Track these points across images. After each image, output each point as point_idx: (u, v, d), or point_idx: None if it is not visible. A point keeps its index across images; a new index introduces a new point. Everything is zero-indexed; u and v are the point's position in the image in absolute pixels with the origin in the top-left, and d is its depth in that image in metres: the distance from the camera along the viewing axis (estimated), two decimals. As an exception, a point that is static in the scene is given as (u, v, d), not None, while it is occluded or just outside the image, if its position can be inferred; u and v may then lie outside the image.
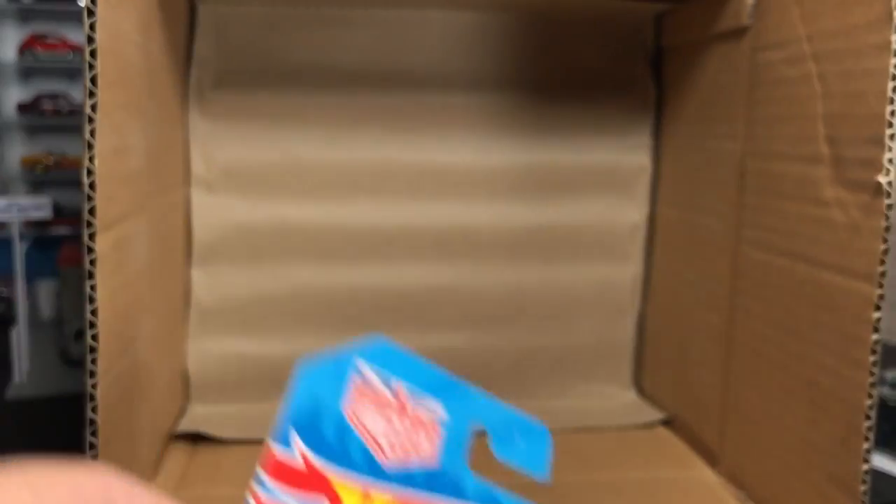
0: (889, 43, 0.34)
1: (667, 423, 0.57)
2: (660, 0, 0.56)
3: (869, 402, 0.35)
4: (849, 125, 0.37)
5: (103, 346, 0.31)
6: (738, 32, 0.47)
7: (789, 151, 0.42)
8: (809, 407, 0.39)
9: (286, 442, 0.23)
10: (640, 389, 0.62)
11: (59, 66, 1.01)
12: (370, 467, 0.23)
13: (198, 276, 0.56)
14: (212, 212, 0.56)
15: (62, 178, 1.02)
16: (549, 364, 0.60)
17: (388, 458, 0.23)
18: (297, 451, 0.23)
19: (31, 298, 0.77)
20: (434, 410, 0.25)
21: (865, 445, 0.35)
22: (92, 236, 0.31)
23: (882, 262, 0.34)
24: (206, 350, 0.56)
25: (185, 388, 0.56)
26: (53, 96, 1.01)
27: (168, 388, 0.49)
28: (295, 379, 0.22)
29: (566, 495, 0.45)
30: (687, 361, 0.54)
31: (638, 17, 0.59)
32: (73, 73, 1.03)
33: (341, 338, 0.61)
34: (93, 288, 0.31)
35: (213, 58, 0.55)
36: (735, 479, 0.47)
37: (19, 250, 0.65)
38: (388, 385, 0.26)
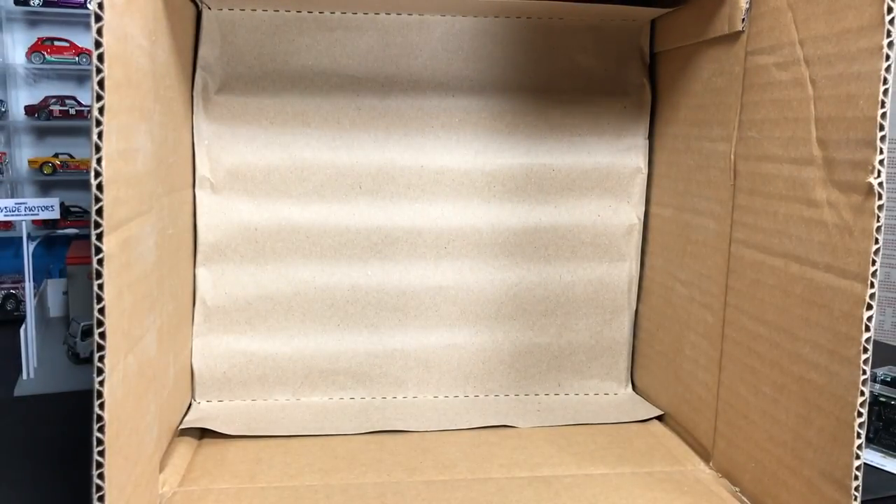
0: (880, 47, 0.34)
1: (661, 419, 0.58)
2: (655, 5, 0.57)
3: (860, 398, 0.35)
4: (840, 128, 0.37)
5: (111, 343, 0.32)
6: (732, 37, 0.48)
7: (781, 153, 0.42)
8: (802, 404, 0.40)
9: None
10: (635, 386, 0.63)
11: (66, 70, 1.02)
12: None
13: (203, 275, 0.57)
14: (216, 212, 0.57)
15: (69, 180, 1.03)
16: (547, 361, 0.61)
17: None
18: None
19: (39, 297, 0.78)
20: None
21: (857, 441, 0.35)
22: (100, 236, 0.31)
23: (873, 262, 0.35)
24: (211, 347, 0.57)
25: (190, 385, 0.57)
26: (61, 99, 1.02)
27: (174, 384, 0.50)
28: None
29: (563, 489, 0.45)
30: (681, 358, 0.54)
31: (634, 21, 0.59)
32: (80, 77, 1.04)
33: (343, 336, 0.63)
34: (100, 287, 0.31)
35: (217, 62, 0.56)
36: (728, 475, 0.47)
37: (28, 249, 0.66)
38: None
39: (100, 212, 0.31)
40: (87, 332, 0.70)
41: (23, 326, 0.66)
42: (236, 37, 0.56)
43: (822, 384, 0.38)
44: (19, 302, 0.85)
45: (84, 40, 1.03)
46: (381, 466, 0.48)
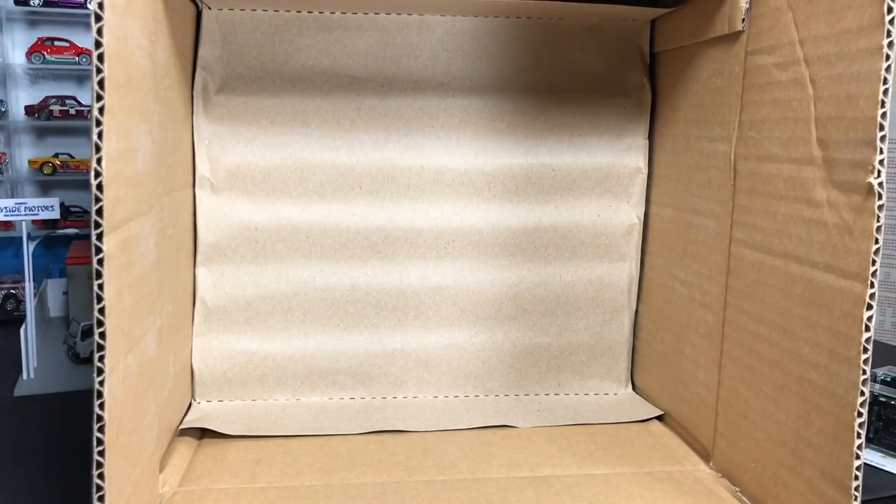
0: (880, 47, 0.34)
1: (661, 419, 0.58)
2: (655, 5, 0.57)
3: (860, 398, 0.35)
4: (840, 128, 0.37)
5: (111, 343, 0.32)
6: (732, 37, 0.48)
7: (781, 153, 0.42)
8: (801, 404, 0.40)
9: None
10: (635, 386, 0.63)
11: (66, 70, 1.02)
12: None
13: (203, 275, 0.57)
14: (216, 212, 0.57)
15: (69, 180, 1.04)
16: (547, 361, 0.61)
17: None
18: None
19: (39, 297, 0.78)
20: None
21: (857, 441, 0.35)
22: (100, 236, 0.31)
23: (873, 262, 0.35)
24: (211, 347, 0.57)
25: (190, 385, 0.57)
26: (61, 99, 1.02)
27: (174, 384, 0.50)
28: None
29: (563, 489, 0.45)
30: (681, 358, 0.54)
31: (634, 21, 0.59)
32: (80, 77, 1.04)
33: (343, 336, 0.63)
34: (100, 287, 0.31)
35: (217, 62, 0.56)
36: (728, 475, 0.47)
37: (28, 249, 0.66)
38: None
39: (100, 212, 0.31)
40: (87, 332, 0.70)
41: (23, 326, 0.66)
42: (236, 37, 0.56)
43: (822, 384, 0.38)
44: (19, 302, 0.85)
45: (84, 40, 1.03)
46: (381, 466, 0.48)
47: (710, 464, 0.49)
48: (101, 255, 0.31)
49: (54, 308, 0.86)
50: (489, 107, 0.59)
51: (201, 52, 0.55)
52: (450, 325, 0.60)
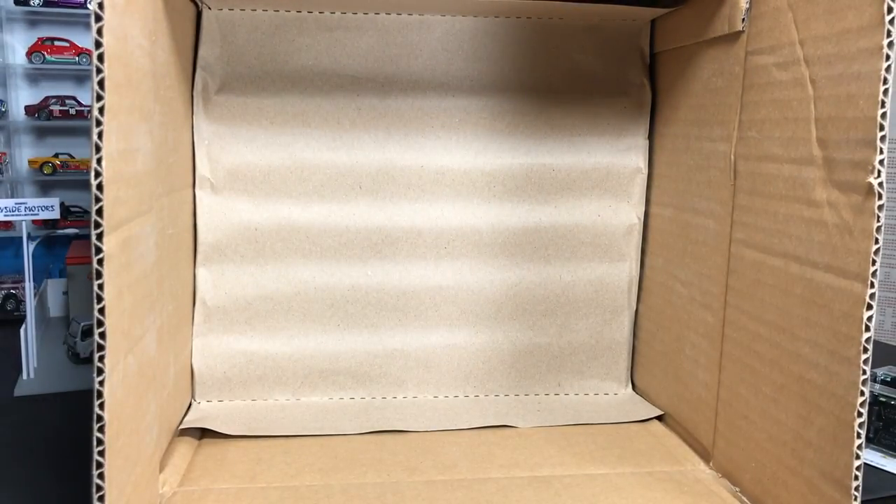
0: (880, 47, 0.34)
1: (661, 419, 0.58)
2: (655, 5, 0.57)
3: (860, 398, 0.35)
4: (840, 128, 0.37)
5: (111, 343, 0.32)
6: (732, 37, 0.48)
7: (781, 153, 0.42)
8: (801, 403, 0.40)
9: None
10: (635, 386, 0.63)
11: (66, 70, 1.02)
12: None
13: (203, 275, 0.57)
14: (217, 212, 0.57)
15: (69, 180, 1.04)
16: (547, 361, 0.61)
17: None
18: None
19: (39, 297, 0.78)
20: None
21: (857, 441, 0.35)
22: (100, 236, 0.31)
23: (874, 262, 0.35)
24: (211, 347, 0.57)
25: (190, 385, 0.57)
26: (61, 99, 1.02)
27: (174, 384, 0.50)
28: None
29: (563, 489, 0.45)
30: (681, 358, 0.54)
31: (634, 21, 0.59)
32: (80, 77, 1.04)
33: (343, 336, 0.63)
34: (100, 287, 0.31)
35: (217, 62, 0.56)
36: (728, 475, 0.47)
37: (28, 249, 0.66)
38: None
39: (100, 212, 0.31)
40: (87, 332, 0.70)
41: (23, 326, 0.66)
42: (236, 37, 0.56)
43: (822, 384, 0.38)
44: (19, 302, 0.85)
45: (84, 40, 1.03)
46: (381, 466, 0.48)
47: (710, 464, 0.49)
48: (101, 255, 0.31)
49: (54, 308, 0.86)
50: (489, 107, 0.59)
51: (201, 52, 0.55)
52: (450, 325, 0.60)
